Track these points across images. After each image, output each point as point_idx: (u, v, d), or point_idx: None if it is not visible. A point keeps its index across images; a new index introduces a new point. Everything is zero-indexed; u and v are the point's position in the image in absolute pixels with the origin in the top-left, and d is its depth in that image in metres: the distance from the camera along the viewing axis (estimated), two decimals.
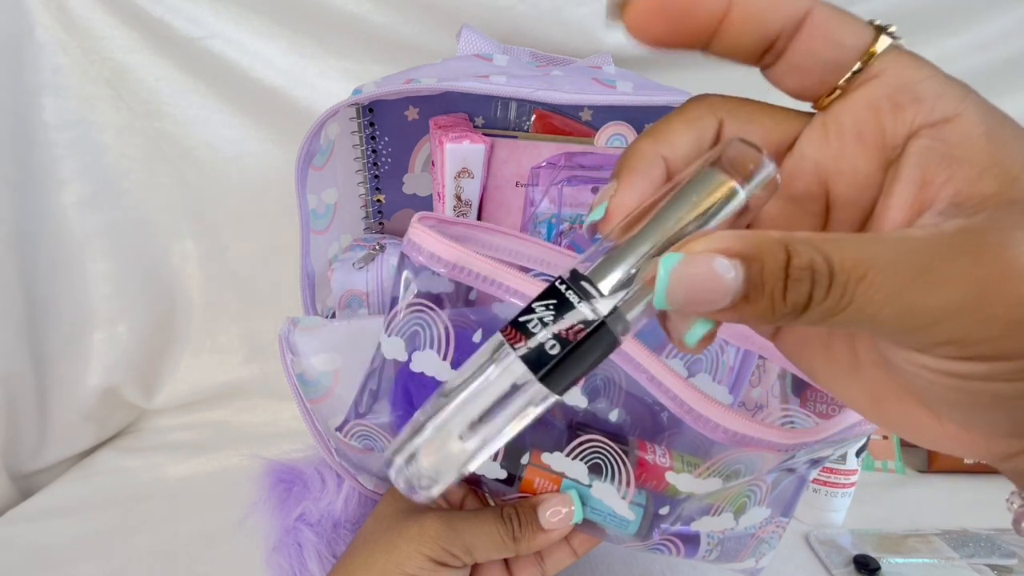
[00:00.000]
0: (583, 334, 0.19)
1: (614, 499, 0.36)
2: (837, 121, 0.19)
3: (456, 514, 0.36)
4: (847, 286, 0.15)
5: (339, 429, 0.40)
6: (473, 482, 0.40)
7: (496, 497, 0.40)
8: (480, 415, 0.20)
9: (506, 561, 0.37)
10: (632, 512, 0.36)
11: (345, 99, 0.44)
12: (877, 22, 0.19)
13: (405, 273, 0.34)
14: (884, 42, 0.18)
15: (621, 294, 0.18)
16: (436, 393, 0.21)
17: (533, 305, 0.19)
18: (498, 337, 0.20)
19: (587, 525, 0.37)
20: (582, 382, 0.34)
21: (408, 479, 0.21)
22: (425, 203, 0.55)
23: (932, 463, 0.63)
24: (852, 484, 0.53)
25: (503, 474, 0.37)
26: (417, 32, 0.59)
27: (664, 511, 0.36)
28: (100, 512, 0.56)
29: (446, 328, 0.34)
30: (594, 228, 0.20)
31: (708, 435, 0.32)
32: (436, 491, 0.21)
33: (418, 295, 0.34)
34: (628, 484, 0.35)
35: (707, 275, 0.16)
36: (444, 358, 0.34)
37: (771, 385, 0.59)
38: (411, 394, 0.36)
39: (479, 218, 0.50)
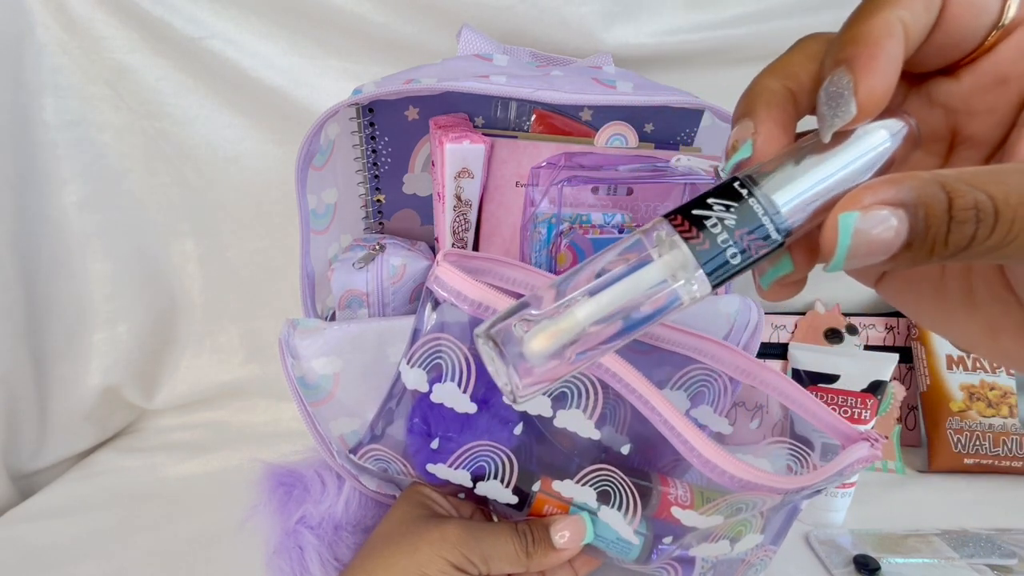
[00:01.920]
0: (764, 251, 0.18)
1: (620, 525, 0.37)
2: (974, 69, 0.19)
3: (475, 523, 0.37)
4: (1014, 222, 0.15)
5: (353, 452, 0.41)
6: (481, 501, 0.41)
7: (503, 518, 0.40)
8: (612, 294, 0.19)
9: None
10: (636, 538, 0.37)
11: (345, 99, 0.44)
12: None
13: (428, 306, 0.35)
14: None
15: (796, 216, 0.18)
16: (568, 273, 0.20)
17: (710, 200, 0.18)
18: (660, 222, 0.19)
19: (588, 548, 0.38)
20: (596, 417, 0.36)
21: (508, 354, 0.19)
22: (425, 203, 0.55)
23: (932, 463, 0.63)
24: (852, 484, 0.53)
25: (514, 499, 0.38)
26: (417, 32, 0.59)
27: (667, 540, 0.37)
28: (100, 512, 0.56)
29: (467, 359, 0.35)
30: (738, 168, 0.19)
31: (715, 479, 0.33)
32: (537, 369, 0.19)
33: (441, 328, 0.35)
34: (635, 512, 0.36)
35: (883, 230, 0.15)
36: (464, 390, 0.35)
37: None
38: (429, 424, 0.37)
39: (479, 218, 0.50)
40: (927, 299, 0.21)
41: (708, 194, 0.19)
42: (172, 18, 0.57)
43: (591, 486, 0.36)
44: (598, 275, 0.19)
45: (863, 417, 0.52)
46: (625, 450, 0.37)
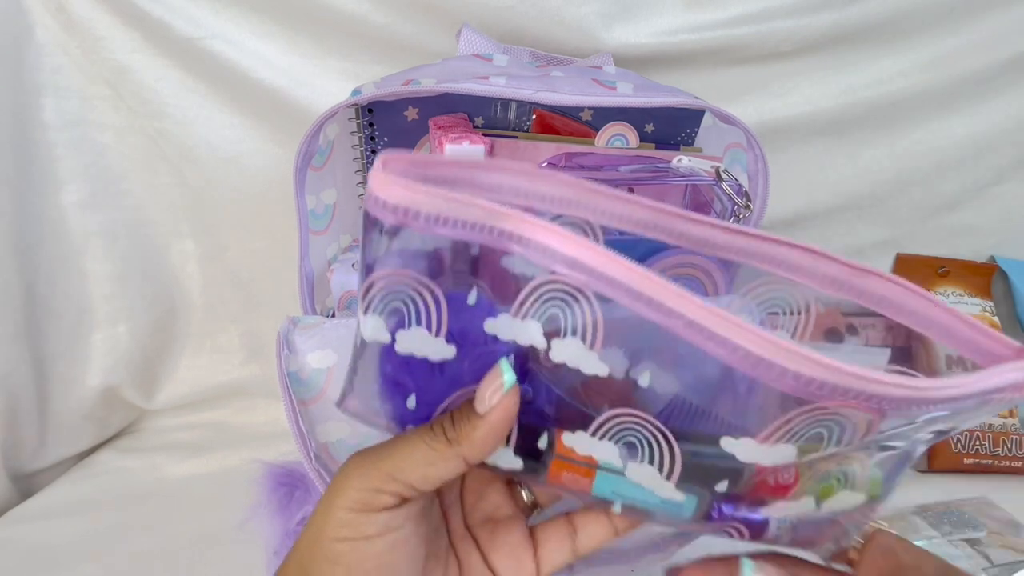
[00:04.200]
0: None
1: (656, 481, 0.29)
2: None
3: (380, 443, 0.30)
4: None
5: (338, 405, 0.33)
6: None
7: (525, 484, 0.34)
8: None
9: (531, 532, 0.32)
10: (681, 495, 0.29)
11: (344, 100, 0.44)
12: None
13: (374, 234, 0.26)
14: None
15: None
16: None
17: None
18: None
19: (634, 511, 0.31)
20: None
21: None
22: None
23: (932, 463, 0.63)
24: None
25: (519, 463, 0.30)
26: (417, 32, 0.59)
27: (721, 487, 0.28)
28: (100, 512, 0.56)
29: (434, 296, 0.27)
30: None
31: (786, 389, 0.24)
32: None
33: (394, 259, 0.26)
34: (671, 466, 0.28)
35: None
36: (436, 332, 0.28)
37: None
38: (401, 379, 0.29)
39: None
40: None
41: None
42: (172, 18, 0.57)
43: (611, 439, 0.29)
44: None
45: None
46: (645, 382, 0.28)
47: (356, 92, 0.45)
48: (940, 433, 0.27)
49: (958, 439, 0.63)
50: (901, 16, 0.63)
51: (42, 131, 0.58)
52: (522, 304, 0.26)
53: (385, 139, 0.51)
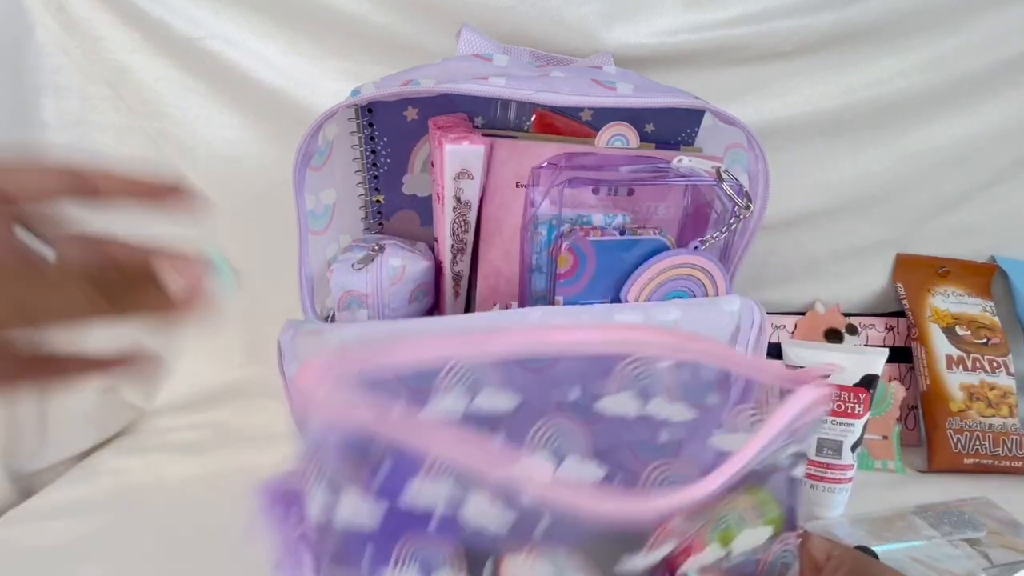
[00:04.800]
0: None
1: None
2: None
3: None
4: None
5: None
6: None
7: None
8: None
9: None
10: None
11: (343, 100, 0.44)
12: None
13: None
14: None
15: None
16: None
17: None
18: None
19: None
20: None
21: None
22: (425, 204, 0.55)
23: (932, 463, 0.63)
24: (849, 480, 0.54)
25: None
26: (417, 32, 0.59)
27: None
28: (100, 512, 0.55)
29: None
30: None
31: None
32: None
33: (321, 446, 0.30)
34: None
35: None
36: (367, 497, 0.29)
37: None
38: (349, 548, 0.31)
39: (478, 220, 0.49)
40: None
41: None
42: (172, 18, 0.57)
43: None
44: None
45: (856, 411, 0.53)
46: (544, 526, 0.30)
47: (355, 92, 0.45)
48: (797, 456, 0.33)
49: (958, 439, 0.63)
50: (901, 16, 0.63)
51: (42, 131, 0.58)
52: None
53: (385, 139, 0.51)
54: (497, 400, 0.37)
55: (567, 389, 0.38)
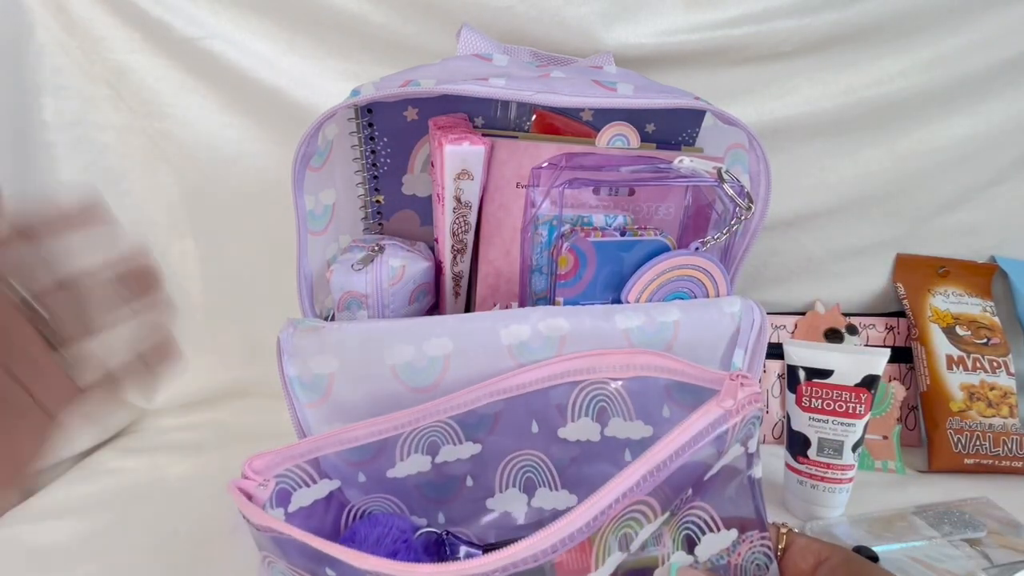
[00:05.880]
0: None
1: None
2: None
3: None
4: None
5: None
6: None
7: None
8: None
9: None
10: None
11: (342, 101, 0.44)
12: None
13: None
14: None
15: None
16: None
17: None
18: None
19: None
20: None
21: None
22: (425, 204, 0.55)
23: (932, 463, 0.63)
24: (850, 480, 0.54)
25: None
26: (417, 32, 0.59)
27: None
28: (100, 512, 0.55)
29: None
30: None
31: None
32: None
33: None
34: None
35: None
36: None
37: (771, 384, 0.59)
38: None
39: (479, 220, 0.49)
40: None
41: None
42: (172, 18, 0.57)
43: None
44: None
45: (857, 411, 0.53)
46: None
47: (355, 93, 0.45)
48: (749, 456, 0.33)
49: (958, 439, 0.63)
50: (901, 16, 0.63)
51: (42, 131, 0.58)
52: None
53: (385, 139, 0.51)
54: (459, 452, 0.42)
55: (527, 424, 0.41)
